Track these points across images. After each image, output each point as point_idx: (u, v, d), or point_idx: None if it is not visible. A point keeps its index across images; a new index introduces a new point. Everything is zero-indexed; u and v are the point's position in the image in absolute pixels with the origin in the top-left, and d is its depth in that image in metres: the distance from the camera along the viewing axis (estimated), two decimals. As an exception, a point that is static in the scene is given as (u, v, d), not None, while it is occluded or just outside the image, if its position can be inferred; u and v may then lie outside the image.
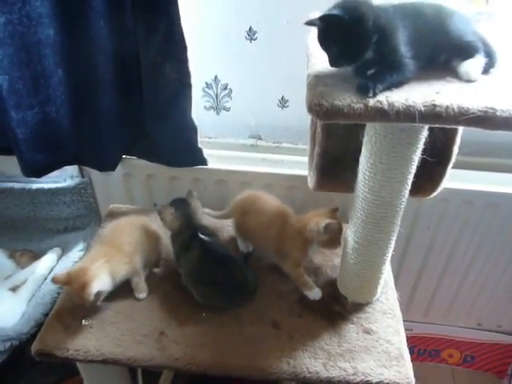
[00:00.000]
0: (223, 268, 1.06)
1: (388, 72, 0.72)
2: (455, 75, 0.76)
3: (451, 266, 1.48)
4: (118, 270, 1.03)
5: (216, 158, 1.35)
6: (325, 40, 0.75)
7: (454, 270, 1.49)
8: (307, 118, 1.14)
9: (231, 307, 1.06)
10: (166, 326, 1.02)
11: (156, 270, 1.12)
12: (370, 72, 0.75)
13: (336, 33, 0.73)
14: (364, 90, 0.71)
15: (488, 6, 1.07)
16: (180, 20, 1.07)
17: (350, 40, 0.73)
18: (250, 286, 1.08)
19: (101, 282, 0.98)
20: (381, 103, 0.69)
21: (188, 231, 1.08)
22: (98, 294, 0.97)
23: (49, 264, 1.33)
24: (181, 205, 1.11)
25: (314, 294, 1.08)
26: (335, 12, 0.71)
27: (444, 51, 0.76)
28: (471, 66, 0.75)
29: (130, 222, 1.15)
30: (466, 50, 0.75)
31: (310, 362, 0.95)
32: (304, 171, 1.23)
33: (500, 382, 1.73)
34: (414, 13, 0.75)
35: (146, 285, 1.09)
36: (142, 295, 1.07)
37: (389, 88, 0.72)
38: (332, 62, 0.76)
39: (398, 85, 0.73)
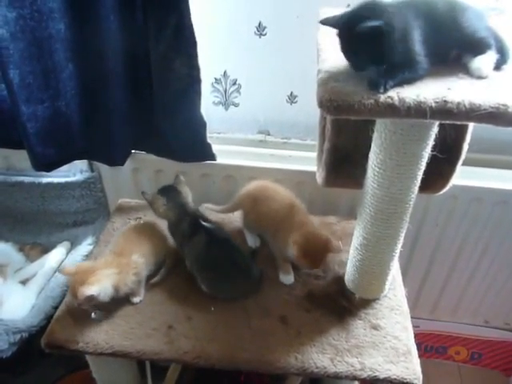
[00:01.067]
0: (227, 252, 1.07)
1: (400, 69, 0.72)
2: (466, 71, 0.75)
3: (459, 263, 1.47)
4: (127, 282, 1.02)
5: (225, 154, 1.35)
6: (352, 47, 0.73)
7: (461, 267, 1.48)
8: (316, 114, 1.13)
9: (235, 295, 1.07)
10: (175, 319, 1.02)
11: (154, 279, 1.11)
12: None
13: (368, 42, 0.70)
14: (375, 86, 0.70)
15: (500, 1, 1.06)
16: (190, 15, 1.07)
17: (379, 48, 0.70)
18: (253, 273, 1.09)
19: (100, 289, 0.95)
20: (391, 99, 0.69)
21: (186, 220, 1.09)
22: (91, 297, 0.93)
23: (58, 257, 1.35)
24: (172, 194, 1.11)
25: (287, 278, 1.11)
26: (376, 24, 0.67)
27: (456, 47, 0.76)
28: (483, 63, 0.74)
29: (141, 231, 1.14)
30: (478, 46, 0.74)
31: (318, 356, 0.95)
32: (312, 167, 1.23)
33: (507, 379, 1.73)
34: (426, 8, 0.74)
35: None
36: (138, 299, 1.06)
37: (400, 84, 0.71)
38: (357, 68, 0.74)
39: (409, 81, 0.72)
